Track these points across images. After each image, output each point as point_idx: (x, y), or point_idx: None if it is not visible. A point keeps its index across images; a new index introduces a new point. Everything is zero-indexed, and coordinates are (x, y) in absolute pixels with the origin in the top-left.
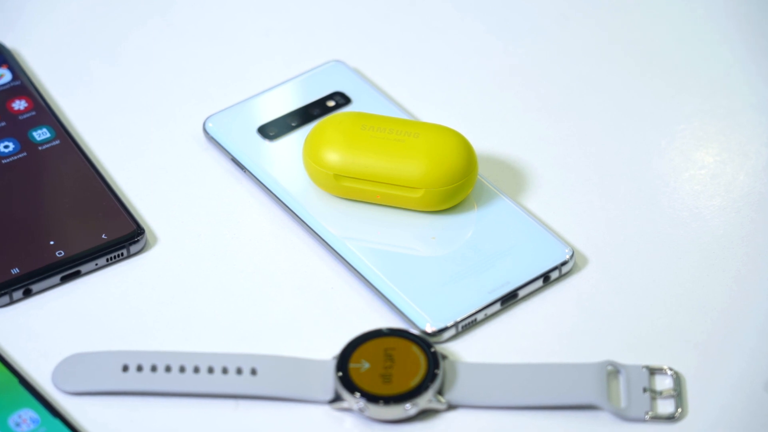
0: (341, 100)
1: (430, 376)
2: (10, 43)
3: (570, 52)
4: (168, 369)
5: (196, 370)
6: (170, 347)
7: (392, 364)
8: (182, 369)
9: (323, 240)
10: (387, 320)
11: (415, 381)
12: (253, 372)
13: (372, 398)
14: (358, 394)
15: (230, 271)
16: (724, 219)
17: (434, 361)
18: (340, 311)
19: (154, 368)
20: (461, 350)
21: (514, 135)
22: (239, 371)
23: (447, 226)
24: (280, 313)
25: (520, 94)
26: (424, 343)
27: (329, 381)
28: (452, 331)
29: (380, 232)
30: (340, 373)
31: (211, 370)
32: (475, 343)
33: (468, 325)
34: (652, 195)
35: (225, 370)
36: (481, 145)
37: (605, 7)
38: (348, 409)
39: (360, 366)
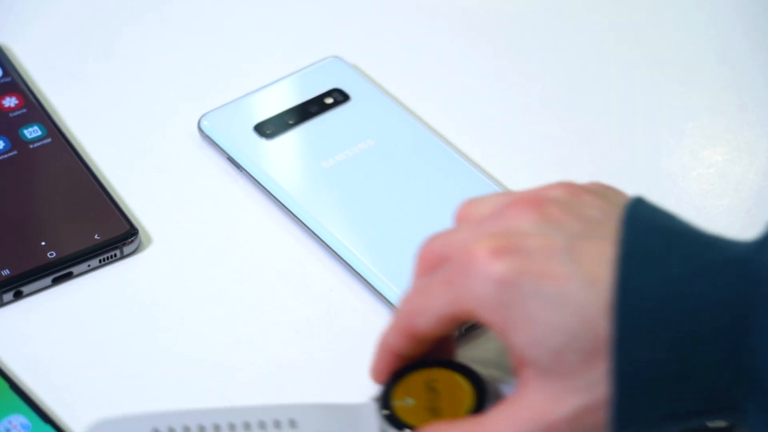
0: (339, 97)
1: (480, 402)
2: (0, 39)
3: (575, 48)
4: (202, 430)
5: (232, 428)
6: (165, 350)
7: (437, 396)
8: (217, 428)
9: (322, 240)
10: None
11: (465, 409)
12: (293, 424)
13: None
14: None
15: (226, 273)
16: (732, 219)
17: (479, 385)
18: (339, 313)
19: (186, 430)
20: (463, 353)
21: (517, 133)
22: (278, 425)
23: (449, 226)
24: (278, 316)
25: (523, 91)
26: (465, 369)
27: (373, 424)
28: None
29: (381, 233)
30: (386, 412)
31: (247, 427)
32: (478, 345)
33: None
34: (659, 194)
35: (263, 425)
36: (483, 143)
37: (611, 2)
38: None
39: (404, 403)
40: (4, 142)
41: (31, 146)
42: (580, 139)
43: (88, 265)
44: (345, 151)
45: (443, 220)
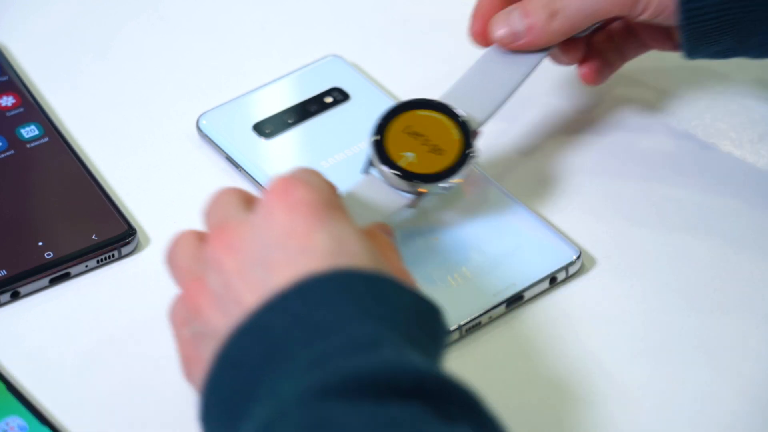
0: (339, 96)
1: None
2: None
3: None
4: None
5: None
6: (163, 351)
7: (426, 138)
8: None
9: None
10: None
11: (457, 139)
12: None
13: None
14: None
15: None
16: (735, 219)
17: (450, 114)
18: None
19: None
20: (465, 354)
21: (518, 132)
22: None
23: (450, 226)
24: None
25: (524, 90)
26: (426, 104)
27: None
28: (456, 335)
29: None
30: (398, 173)
31: None
32: (480, 346)
33: (472, 328)
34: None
35: None
36: (484, 143)
37: None
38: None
39: (408, 160)
40: (1, 141)
41: (28, 146)
42: (581, 138)
43: (86, 266)
44: (345, 150)
45: (446, 221)
